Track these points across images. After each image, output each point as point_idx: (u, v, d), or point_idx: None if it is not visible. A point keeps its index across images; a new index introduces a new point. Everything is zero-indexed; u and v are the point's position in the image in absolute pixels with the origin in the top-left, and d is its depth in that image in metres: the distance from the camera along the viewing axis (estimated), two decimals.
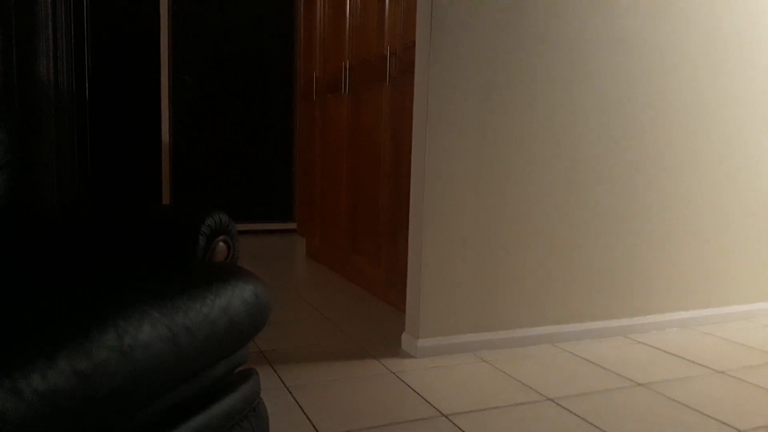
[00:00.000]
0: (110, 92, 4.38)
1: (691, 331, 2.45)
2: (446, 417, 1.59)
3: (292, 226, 5.13)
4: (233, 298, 0.96)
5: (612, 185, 2.30)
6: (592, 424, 1.57)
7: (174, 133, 4.62)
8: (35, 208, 1.21)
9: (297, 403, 1.65)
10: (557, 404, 1.69)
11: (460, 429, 1.53)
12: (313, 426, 1.52)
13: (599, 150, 2.26)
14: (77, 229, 1.15)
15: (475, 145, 2.06)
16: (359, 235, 2.95)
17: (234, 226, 1.18)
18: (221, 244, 1.13)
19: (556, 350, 2.16)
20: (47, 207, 1.22)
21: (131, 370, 0.74)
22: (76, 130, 3.97)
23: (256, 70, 4.82)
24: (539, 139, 2.15)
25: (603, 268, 2.32)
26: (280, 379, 1.82)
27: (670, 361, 2.07)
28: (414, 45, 2.35)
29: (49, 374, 0.63)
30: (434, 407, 1.65)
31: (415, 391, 1.75)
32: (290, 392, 1.72)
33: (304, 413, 1.58)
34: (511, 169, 2.13)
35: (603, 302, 2.34)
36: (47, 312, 0.74)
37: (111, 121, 4.41)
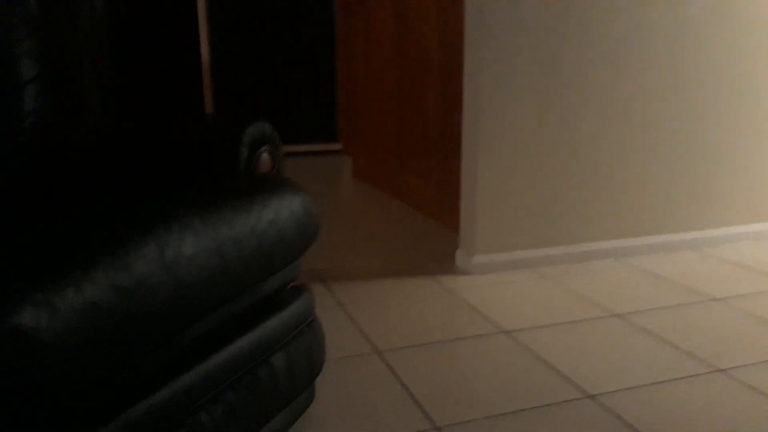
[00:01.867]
0: (146, 11, 4.28)
1: (766, 243, 2.28)
2: (507, 333, 1.53)
3: (337, 146, 5.04)
4: (281, 210, 0.89)
5: (685, 90, 2.09)
6: (665, 340, 1.48)
7: (213, 52, 4.52)
8: (72, 123, 1.15)
9: (352, 319, 1.61)
10: (625, 320, 1.60)
11: (524, 345, 1.46)
12: (370, 342, 1.48)
13: (667, 61, 2.04)
14: (114, 143, 1.08)
15: (536, 43, 1.88)
16: (407, 152, 2.84)
17: (277, 137, 1.09)
18: (265, 155, 1.05)
19: (620, 265, 2.05)
20: (84, 122, 1.16)
21: (175, 285, 0.68)
22: (113, 47, 3.90)
23: None
24: (603, 42, 1.95)
25: (669, 180, 2.15)
26: (334, 296, 1.78)
27: (746, 275, 1.93)
28: None
29: (86, 288, 0.57)
30: (495, 323, 1.59)
31: (473, 307, 1.69)
32: (344, 308, 1.69)
33: (360, 330, 1.55)
34: (576, 71, 1.94)
35: (669, 215, 2.19)
36: (83, 225, 0.67)
37: (148, 41, 4.32)
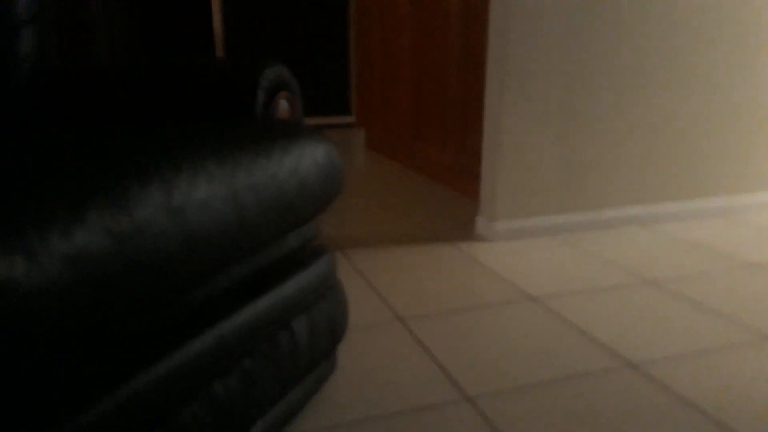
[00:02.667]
0: None
1: None
2: (535, 299, 1.44)
3: (350, 119, 4.93)
4: (303, 158, 0.80)
5: (714, 56, 1.97)
6: (705, 307, 1.39)
7: (226, 24, 4.39)
8: (79, 68, 1.06)
9: (371, 286, 1.53)
10: (659, 287, 1.51)
11: (554, 312, 1.38)
12: (392, 309, 1.40)
13: (694, 28, 1.91)
14: (122, 83, 1.00)
15: (562, 16, 1.76)
16: (424, 121, 2.73)
17: (296, 83, 1.00)
18: (283, 101, 0.96)
19: (648, 231, 1.95)
20: (93, 66, 1.07)
21: (183, 234, 0.59)
22: (126, 13, 3.79)
23: None
24: (630, 19, 1.83)
25: (698, 144, 2.05)
26: (352, 264, 1.71)
27: None
28: None
29: (75, 232, 0.48)
30: (520, 290, 1.50)
31: (497, 274, 1.61)
32: (363, 276, 1.61)
33: (380, 297, 1.47)
34: (600, 41, 1.83)
35: (698, 180, 2.08)
36: (76, 163, 0.59)
37: (160, 14, 4.20)
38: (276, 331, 0.86)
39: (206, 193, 0.63)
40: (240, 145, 0.72)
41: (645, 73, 1.91)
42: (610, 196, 1.99)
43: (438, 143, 2.61)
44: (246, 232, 0.69)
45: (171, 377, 0.66)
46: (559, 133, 1.87)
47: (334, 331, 1.00)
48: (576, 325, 1.31)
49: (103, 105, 0.97)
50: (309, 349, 0.93)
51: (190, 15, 4.28)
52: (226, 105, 0.93)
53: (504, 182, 1.86)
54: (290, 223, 0.80)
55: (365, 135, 3.76)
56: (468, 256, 1.75)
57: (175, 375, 0.67)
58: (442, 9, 2.44)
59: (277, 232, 0.79)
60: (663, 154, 2.01)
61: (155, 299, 0.60)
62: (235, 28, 4.42)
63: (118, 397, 0.59)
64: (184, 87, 0.99)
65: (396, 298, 1.47)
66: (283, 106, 0.94)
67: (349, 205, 2.35)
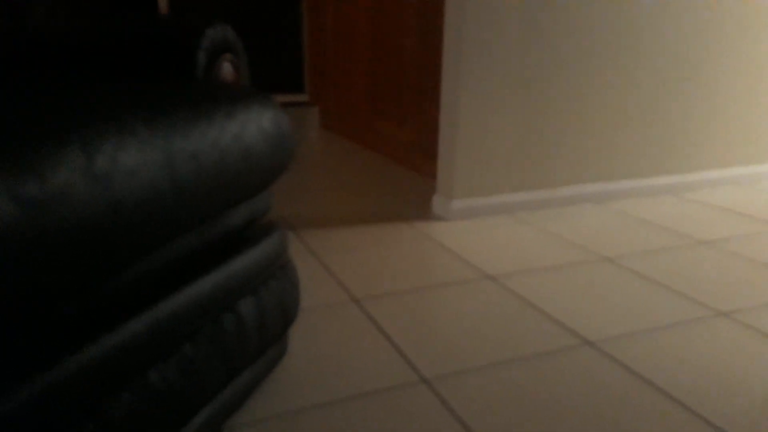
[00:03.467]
0: None
1: (745, 188, 2.23)
2: (492, 279, 1.42)
3: (304, 98, 4.81)
4: (248, 123, 0.73)
5: (661, 42, 1.97)
6: (660, 283, 1.40)
7: (171, 1, 4.19)
8: (9, 25, 0.96)
9: (325, 267, 1.48)
10: (615, 263, 1.51)
11: (511, 291, 1.35)
12: (347, 290, 1.35)
13: (644, 7, 1.91)
14: (56, 42, 0.90)
15: None
16: (380, 98, 2.67)
17: (241, 46, 0.93)
18: (227, 64, 0.88)
19: (602, 209, 1.96)
20: (24, 24, 0.97)
21: (109, 202, 0.52)
22: None
23: None
24: None
25: (649, 124, 2.06)
26: (305, 244, 1.64)
27: (729, 218, 1.87)
28: None
29: None
30: (478, 269, 1.47)
31: (454, 253, 1.57)
32: (317, 257, 1.55)
33: (335, 278, 1.42)
34: (556, 18, 1.80)
35: (652, 158, 2.10)
36: None
37: None
38: (221, 314, 0.80)
39: (135, 158, 0.56)
40: (177, 107, 0.64)
41: (600, 54, 1.90)
42: (565, 174, 1.98)
43: (395, 121, 2.55)
44: (183, 203, 0.63)
45: (98, 366, 0.59)
46: (515, 112, 1.84)
47: (285, 313, 0.94)
48: (533, 303, 1.29)
49: (35, 66, 0.88)
50: (257, 332, 0.87)
51: None
52: (165, 67, 0.85)
53: (461, 161, 1.82)
54: (235, 194, 0.74)
55: (320, 114, 3.66)
56: (425, 235, 1.72)
57: (103, 363, 0.60)
58: None
59: (221, 204, 0.72)
60: (616, 133, 2.01)
61: (78, 276, 0.53)
62: (183, 7, 4.23)
63: (34, 389, 0.52)
64: (120, 48, 0.90)
65: (351, 278, 1.42)
66: (226, 69, 0.86)
67: (304, 185, 2.28)
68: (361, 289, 1.36)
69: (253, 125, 0.73)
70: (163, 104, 0.64)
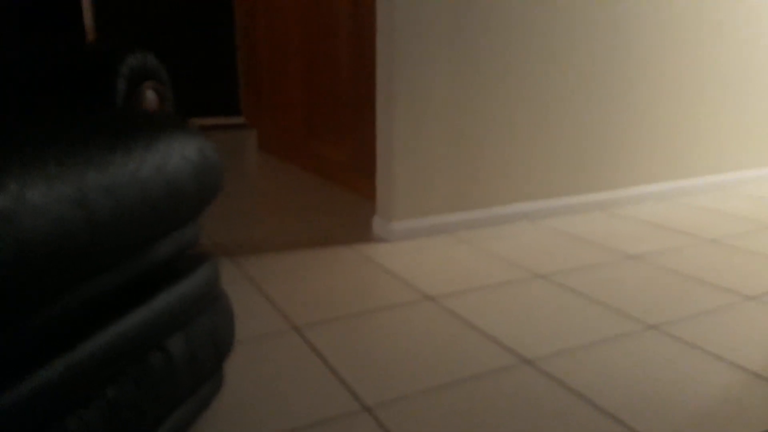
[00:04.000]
0: None
1: (669, 202, 2.34)
2: (432, 299, 1.42)
3: (240, 120, 4.74)
4: (170, 154, 0.70)
5: (586, 59, 2.06)
6: (592, 299, 1.43)
7: (98, 18, 4.06)
8: None
9: (263, 294, 1.44)
10: (549, 280, 1.54)
11: (451, 311, 1.36)
12: (286, 318, 1.32)
13: (574, 24, 1.99)
14: None
15: (451, 4, 1.76)
16: (317, 119, 2.66)
17: (165, 73, 0.90)
18: (150, 92, 0.85)
19: (536, 227, 2.01)
20: None
21: (16, 244, 0.49)
22: None
23: None
24: (514, 6, 1.87)
25: (579, 143, 2.14)
26: (242, 270, 1.60)
27: (656, 232, 1.95)
28: None
29: None
30: (418, 290, 1.48)
31: (394, 275, 1.57)
32: (254, 283, 1.51)
33: (273, 305, 1.38)
34: (488, 38, 1.85)
35: (580, 176, 2.17)
36: None
37: (23, 6, 3.81)
38: (147, 353, 0.76)
39: (44, 196, 0.53)
40: (91, 139, 0.61)
41: (530, 74, 1.96)
42: (501, 193, 2.02)
43: (332, 142, 2.55)
44: (100, 241, 0.59)
45: (7, 417, 0.55)
46: (450, 132, 1.87)
47: (218, 347, 0.91)
48: (472, 323, 1.30)
49: None
50: (188, 369, 0.83)
51: (58, 18, 3.92)
52: (84, 96, 0.81)
53: (399, 182, 1.83)
54: (159, 228, 0.71)
55: (257, 136, 3.62)
56: (365, 257, 1.71)
57: (15, 412, 0.56)
58: (331, 10, 2.38)
59: (143, 239, 0.69)
60: (547, 153, 2.07)
61: None
62: (108, 22, 4.11)
63: None
64: (38, 76, 0.86)
65: (290, 305, 1.39)
66: (149, 97, 0.83)
67: (241, 209, 2.23)
68: (301, 316, 1.33)
69: (177, 155, 0.70)
70: (76, 136, 0.60)
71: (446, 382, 1.07)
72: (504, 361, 1.15)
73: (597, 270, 1.62)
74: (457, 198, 1.95)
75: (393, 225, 1.85)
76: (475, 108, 1.89)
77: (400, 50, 1.73)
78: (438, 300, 1.42)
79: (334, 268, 1.62)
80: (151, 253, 0.75)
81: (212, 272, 0.90)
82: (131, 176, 0.63)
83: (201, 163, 0.74)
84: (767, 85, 2.54)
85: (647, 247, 1.81)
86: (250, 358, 1.15)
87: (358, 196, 2.44)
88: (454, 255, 1.73)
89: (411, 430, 0.94)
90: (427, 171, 1.87)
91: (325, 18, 2.45)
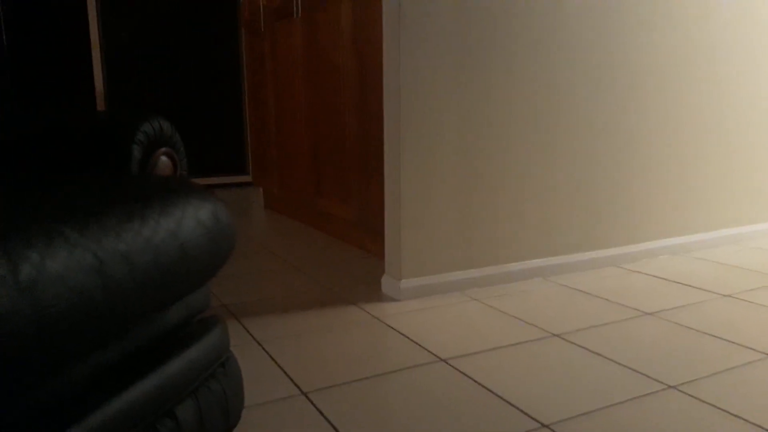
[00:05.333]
0: (32, 38, 3.90)
1: (683, 257, 2.32)
2: (445, 362, 1.39)
3: (247, 179, 4.80)
4: (185, 219, 0.71)
5: (595, 115, 2.10)
6: (609, 358, 1.40)
7: (108, 82, 4.19)
8: None
9: (271, 357, 1.42)
10: (565, 340, 1.51)
11: (465, 374, 1.33)
12: (295, 383, 1.29)
13: (582, 79, 2.04)
14: None
15: (455, 62, 1.81)
16: (324, 178, 2.69)
17: (179, 138, 0.91)
18: (164, 158, 0.87)
19: (548, 284, 1.99)
20: None
21: (34, 314, 0.48)
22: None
23: (195, 6, 4.39)
24: (522, 62, 1.92)
25: (588, 199, 2.14)
26: (249, 333, 1.58)
27: (671, 288, 1.93)
28: None
29: None
30: (430, 351, 1.45)
31: (404, 336, 1.54)
32: (262, 346, 1.49)
33: (282, 369, 1.36)
34: (494, 96, 1.89)
35: (592, 232, 2.17)
36: None
37: (36, 70, 3.94)
38: (157, 421, 0.74)
39: (64, 264, 0.53)
40: (108, 206, 0.62)
41: (541, 129, 1.99)
42: (511, 250, 2.01)
43: (339, 200, 2.56)
44: (116, 307, 0.59)
45: None
46: (460, 188, 1.88)
47: (227, 415, 0.88)
48: (487, 386, 1.27)
49: None
50: None
51: (69, 71, 4.05)
52: (100, 164, 0.83)
53: (407, 240, 1.83)
54: (172, 294, 0.70)
55: (264, 194, 3.65)
56: (375, 318, 1.68)
57: None
58: (334, 65, 2.44)
59: (157, 305, 0.68)
60: (559, 208, 2.07)
61: None
62: (119, 85, 4.22)
63: None
64: (53, 145, 0.87)
65: (298, 369, 1.36)
66: (163, 163, 0.84)
67: (247, 269, 2.22)
68: (310, 380, 1.30)
69: (190, 220, 0.71)
70: (94, 204, 0.61)
71: None
72: (522, 426, 1.11)
73: (613, 328, 1.59)
74: (468, 255, 1.94)
75: (402, 283, 1.83)
76: (485, 165, 1.91)
77: (407, 108, 1.76)
78: (451, 362, 1.39)
79: (343, 329, 1.60)
80: (164, 319, 0.74)
81: (222, 337, 0.89)
82: (146, 242, 0.63)
83: (214, 227, 0.75)
84: None
85: (663, 303, 1.78)
86: (257, 424, 1.12)
87: (366, 254, 2.43)
88: (465, 314, 1.70)
89: None
90: (436, 229, 1.87)
91: (331, 77, 2.51)
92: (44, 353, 0.52)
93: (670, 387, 1.25)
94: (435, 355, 1.42)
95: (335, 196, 2.60)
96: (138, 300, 0.62)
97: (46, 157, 0.86)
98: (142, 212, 0.65)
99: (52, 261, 0.52)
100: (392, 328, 1.60)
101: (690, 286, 1.95)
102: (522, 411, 1.16)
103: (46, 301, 0.50)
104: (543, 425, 1.11)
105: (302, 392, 1.24)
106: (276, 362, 1.39)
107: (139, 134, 0.82)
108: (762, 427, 1.09)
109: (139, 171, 0.82)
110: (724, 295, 1.84)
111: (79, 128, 0.85)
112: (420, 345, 1.49)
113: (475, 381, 1.29)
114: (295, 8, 2.72)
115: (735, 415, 1.13)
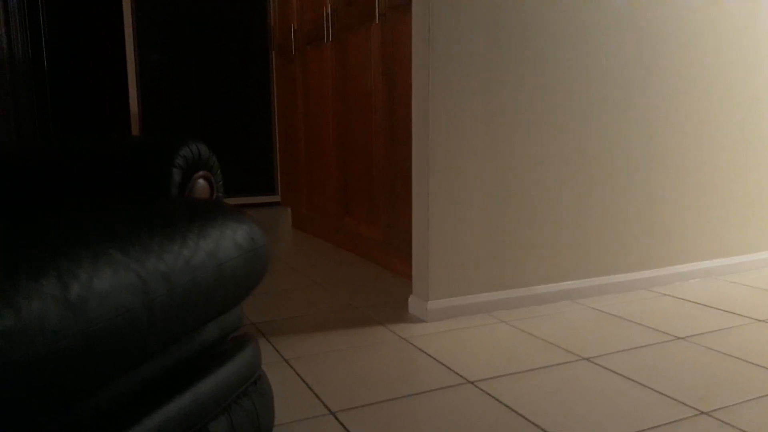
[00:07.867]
0: (71, 61, 4.05)
1: (715, 280, 2.28)
2: (474, 384, 1.39)
3: (275, 198, 4.87)
4: (222, 240, 0.73)
5: (627, 134, 2.09)
6: (639, 383, 1.38)
7: (143, 103, 4.31)
8: None
9: (299, 376, 1.43)
10: (595, 363, 1.50)
11: (494, 396, 1.32)
12: (323, 402, 1.30)
13: (616, 98, 2.04)
14: (28, 165, 0.90)
15: (485, 83, 1.83)
16: (352, 198, 2.72)
17: (216, 161, 0.95)
18: (201, 181, 0.90)
19: (578, 307, 1.97)
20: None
21: (83, 330, 0.51)
22: (35, 93, 3.64)
23: (227, 30, 4.51)
24: (552, 84, 1.93)
25: (620, 220, 2.13)
26: (278, 351, 1.60)
27: (704, 312, 1.89)
28: None
29: None
30: (457, 374, 1.45)
31: (432, 357, 1.55)
32: (290, 365, 1.50)
33: (310, 388, 1.37)
34: (524, 115, 1.90)
35: (622, 255, 2.15)
36: None
37: (74, 91, 4.08)
38: None
39: (110, 284, 0.55)
40: (150, 228, 0.65)
41: (571, 152, 1.99)
42: (540, 272, 2.01)
43: (367, 220, 2.59)
44: (156, 325, 0.61)
45: None
46: (488, 210, 1.89)
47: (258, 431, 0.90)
48: (517, 410, 1.26)
49: (7, 193, 0.88)
50: None
51: (104, 97, 4.18)
52: (140, 187, 0.86)
53: (435, 261, 1.84)
54: (209, 313, 0.72)
55: (291, 214, 3.70)
56: (402, 338, 1.69)
57: None
58: (364, 89, 2.48)
59: (195, 324, 0.70)
60: (589, 231, 2.06)
61: (43, 406, 0.51)
62: (153, 107, 4.34)
63: None
64: (95, 168, 0.91)
65: (327, 388, 1.37)
66: (201, 185, 0.88)
67: (275, 288, 2.25)
68: (338, 400, 1.31)
69: (227, 242, 0.73)
70: (136, 226, 0.64)
71: None
72: None
73: (644, 352, 1.57)
74: (496, 277, 1.94)
75: (430, 305, 1.84)
76: (514, 186, 1.91)
77: (435, 129, 1.78)
78: (479, 384, 1.39)
79: (371, 349, 1.61)
80: (199, 337, 0.77)
81: (254, 355, 0.91)
82: (186, 262, 0.65)
83: (250, 249, 0.77)
84: None
85: (695, 327, 1.75)
86: None
87: (393, 274, 2.44)
88: (493, 336, 1.70)
89: None
90: (464, 249, 1.87)
91: (359, 98, 2.55)
92: (90, 369, 0.55)
93: (702, 413, 1.23)
94: (463, 377, 1.42)
95: (363, 216, 2.62)
96: (177, 318, 0.65)
97: (88, 180, 0.90)
98: (182, 234, 0.67)
99: (99, 280, 0.55)
100: (419, 349, 1.61)
101: (723, 310, 1.91)
102: None
103: (93, 318, 0.53)
104: None
105: (330, 411, 1.25)
106: (304, 381, 1.41)
107: (178, 158, 0.85)
108: None
109: (178, 194, 0.85)
110: (759, 320, 1.80)
111: (120, 152, 0.88)
112: (448, 367, 1.49)
113: (504, 404, 1.28)
114: (326, 33, 2.78)
115: None
